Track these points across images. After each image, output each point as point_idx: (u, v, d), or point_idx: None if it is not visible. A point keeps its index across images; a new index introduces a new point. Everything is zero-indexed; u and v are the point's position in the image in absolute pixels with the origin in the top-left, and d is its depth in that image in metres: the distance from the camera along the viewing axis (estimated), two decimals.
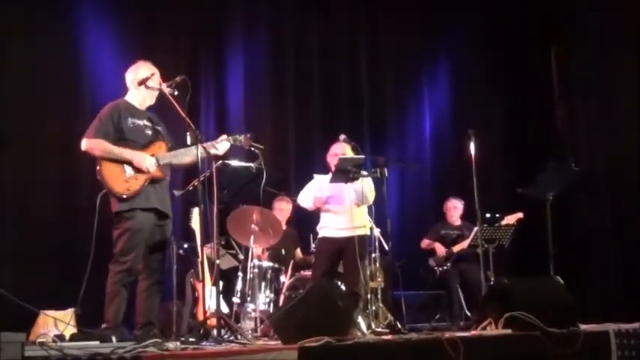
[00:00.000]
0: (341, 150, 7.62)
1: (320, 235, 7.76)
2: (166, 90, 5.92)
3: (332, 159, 7.67)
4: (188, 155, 6.05)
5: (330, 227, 7.64)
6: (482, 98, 11.32)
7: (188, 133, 5.82)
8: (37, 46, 8.29)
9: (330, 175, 7.60)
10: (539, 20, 10.76)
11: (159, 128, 6.16)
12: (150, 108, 6.21)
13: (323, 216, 7.71)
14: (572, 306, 5.78)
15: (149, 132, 6.08)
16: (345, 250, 7.48)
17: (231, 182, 7.02)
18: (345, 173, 7.28)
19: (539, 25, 10.77)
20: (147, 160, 5.88)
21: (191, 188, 6.71)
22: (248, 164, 6.93)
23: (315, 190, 7.71)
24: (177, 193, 7.21)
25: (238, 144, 6.26)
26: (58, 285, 7.52)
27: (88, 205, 6.13)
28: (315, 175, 7.88)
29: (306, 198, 7.76)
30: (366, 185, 7.55)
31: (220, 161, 6.41)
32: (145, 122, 6.09)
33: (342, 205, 7.57)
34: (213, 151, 6.01)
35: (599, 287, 9.50)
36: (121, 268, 5.76)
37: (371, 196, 7.64)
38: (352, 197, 7.57)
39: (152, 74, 6.06)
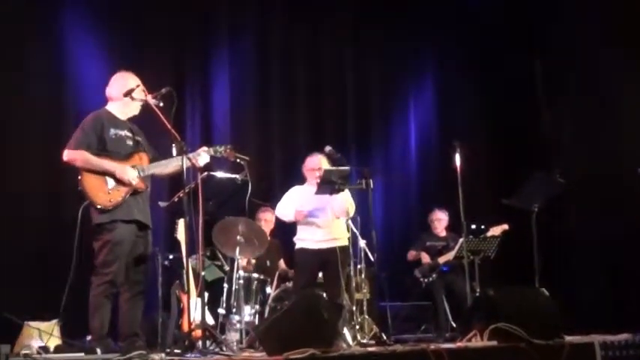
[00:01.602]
0: (317, 163, 7.61)
1: (298, 247, 7.73)
2: (152, 101, 5.92)
3: (307, 172, 7.67)
4: (169, 166, 6.05)
5: (310, 239, 7.62)
6: (467, 109, 11.35)
7: (174, 145, 5.82)
8: (23, 56, 8.26)
9: (307, 187, 7.60)
10: (524, 30, 10.80)
11: (139, 139, 6.14)
12: (133, 119, 6.19)
13: (302, 228, 7.69)
14: (558, 317, 5.79)
15: (130, 143, 6.06)
16: (327, 261, 7.48)
17: (217, 193, 7.01)
18: (330, 185, 7.28)
19: (524, 35, 10.82)
20: (129, 173, 5.86)
21: (176, 199, 6.69)
22: (233, 175, 6.92)
23: (296, 203, 7.68)
24: (162, 204, 7.20)
25: (218, 155, 6.25)
26: (42, 296, 7.48)
27: (71, 217, 6.08)
28: (294, 187, 7.85)
29: (286, 210, 7.73)
30: (346, 198, 7.55)
31: (206, 172, 6.40)
32: (127, 133, 6.07)
33: (324, 218, 7.57)
34: (193, 162, 5.96)
35: (585, 298, 9.50)
36: (104, 280, 5.73)
37: (351, 208, 7.65)
38: (334, 209, 7.56)
39: (137, 85, 6.05)
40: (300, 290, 7.42)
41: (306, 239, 7.65)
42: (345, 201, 7.58)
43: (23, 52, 8.27)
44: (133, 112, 6.15)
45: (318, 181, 7.44)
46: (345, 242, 7.64)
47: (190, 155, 5.95)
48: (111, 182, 5.83)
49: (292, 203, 7.70)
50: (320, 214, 7.57)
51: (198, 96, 9.69)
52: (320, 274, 7.80)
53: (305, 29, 10.77)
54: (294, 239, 7.79)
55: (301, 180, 7.98)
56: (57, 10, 8.63)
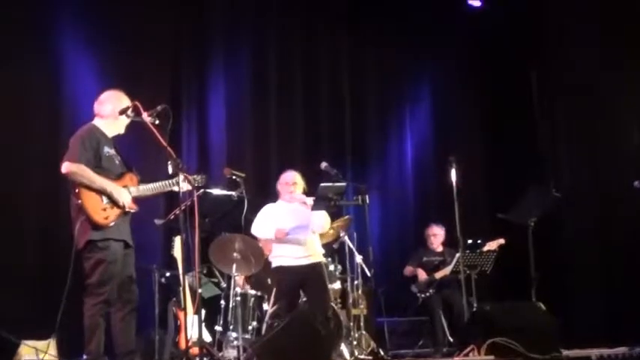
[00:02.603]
0: (291, 178, 7.57)
1: (277, 265, 7.54)
2: (147, 119, 5.88)
3: (282, 186, 7.61)
4: (157, 189, 6.07)
5: (289, 256, 7.47)
6: (463, 125, 11.37)
7: (169, 163, 5.81)
8: (17, 69, 8.26)
9: (281, 204, 7.55)
10: (519, 44, 10.83)
11: (124, 159, 6.14)
12: (116, 138, 6.18)
13: (281, 245, 7.52)
14: (555, 332, 5.80)
15: (117, 162, 6.06)
16: (309, 278, 7.40)
17: (213, 210, 7.02)
18: (326, 201, 7.27)
19: (519, 49, 10.85)
20: (123, 196, 5.86)
21: (172, 217, 6.71)
22: (229, 192, 6.94)
23: (274, 221, 7.51)
24: (158, 221, 7.22)
25: (196, 184, 6.22)
26: (38, 315, 7.45)
27: (66, 233, 6.07)
28: (268, 205, 7.69)
29: (266, 230, 7.50)
30: (323, 213, 7.54)
31: (202, 190, 6.41)
32: (114, 152, 6.07)
33: (305, 235, 7.51)
34: (175, 188, 5.91)
35: (582, 313, 9.50)
36: (99, 300, 5.71)
37: (327, 224, 7.64)
38: (314, 225, 7.53)
39: (134, 104, 6.04)
40: (289, 309, 7.28)
41: (283, 256, 7.49)
42: (323, 217, 7.56)
43: (16, 64, 8.27)
44: (119, 131, 6.15)
45: (291, 196, 7.43)
46: (322, 258, 7.62)
47: (169, 182, 5.95)
48: (106, 200, 5.81)
49: (270, 221, 7.53)
50: (300, 231, 7.47)
51: (194, 113, 9.69)
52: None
53: (301, 44, 10.79)
54: (271, 257, 7.63)
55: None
56: (53, 23, 8.63)
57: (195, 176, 6.27)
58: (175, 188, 5.84)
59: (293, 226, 7.45)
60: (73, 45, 8.70)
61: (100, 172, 5.85)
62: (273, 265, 7.57)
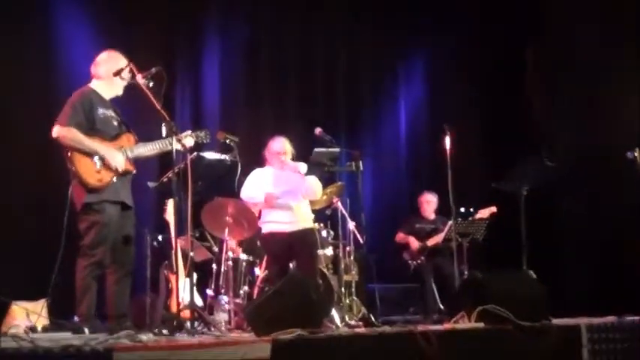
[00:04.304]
0: (282, 147, 7.51)
1: (267, 231, 7.49)
2: (141, 81, 5.85)
3: (271, 155, 7.55)
4: (155, 148, 6.06)
5: (280, 222, 7.43)
6: (457, 93, 11.32)
7: (163, 125, 5.80)
8: (11, 35, 8.21)
9: (270, 169, 7.52)
10: (516, 16, 10.79)
11: (123, 119, 6.12)
12: (114, 99, 6.16)
13: (270, 211, 7.48)
14: (544, 300, 5.82)
15: (115, 123, 6.05)
16: (298, 243, 7.36)
17: (206, 174, 7.00)
18: (319, 166, 7.26)
19: (516, 21, 10.81)
20: (116, 159, 5.85)
21: (165, 180, 6.69)
22: (223, 156, 6.92)
23: (264, 186, 7.47)
24: (151, 184, 7.19)
25: (199, 141, 6.23)
26: (29, 275, 7.46)
27: (59, 195, 6.06)
28: (256, 170, 7.64)
29: (254, 193, 7.45)
30: (316, 179, 7.52)
31: (195, 153, 6.39)
32: (112, 113, 6.05)
33: (296, 200, 7.49)
34: (176, 146, 5.92)
35: (573, 282, 9.55)
36: (91, 261, 5.73)
37: (319, 191, 7.62)
38: (305, 191, 7.51)
39: (127, 65, 6.01)
40: (279, 274, 7.26)
41: (276, 222, 7.45)
42: (315, 183, 7.54)
43: (10, 29, 8.22)
44: (117, 93, 6.13)
45: (284, 165, 7.40)
46: (311, 224, 7.62)
47: (175, 138, 5.92)
48: (99, 162, 5.80)
49: (259, 186, 7.48)
50: (290, 196, 7.44)
51: (187, 75, 9.66)
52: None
53: (297, 10, 10.73)
54: (260, 223, 7.57)
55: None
56: None
57: (198, 132, 6.26)
58: (177, 146, 5.81)
59: (283, 191, 7.42)
60: (66, 11, 8.63)
61: (93, 134, 5.84)
62: (263, 230, 7.53)
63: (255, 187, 7.48)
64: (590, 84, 9.95)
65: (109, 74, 6.03)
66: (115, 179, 5.85)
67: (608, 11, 9.73)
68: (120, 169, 5.85)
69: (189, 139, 6.11)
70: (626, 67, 9.73)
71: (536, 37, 10.83)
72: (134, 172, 6.06)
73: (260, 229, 7.61)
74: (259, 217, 7.69)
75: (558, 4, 10.50)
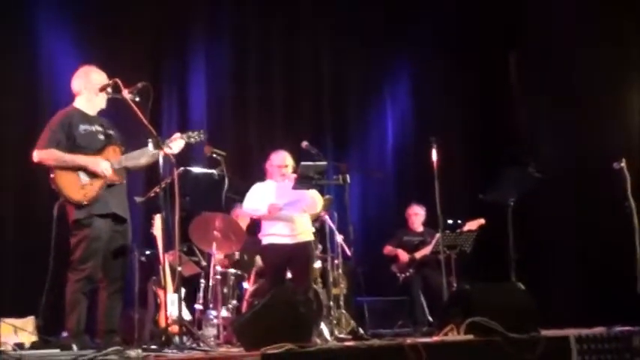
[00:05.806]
0: (283, 160, 7.54)
1: (267, 243, 7.51)
2: (128, 96, 5.84)
3: (272, 168, 7.58)
4: (142, 157, 6.03)
5: (280, 234, 7.45)
6: (443, 105, 11.33)
7: (150, 140, 5.78)
8: None
9: (271, 183, 7.53)
10: (499, 26, 10.84)
11: (111, 132, 6.10)
12: (102, 113, 6.14)
13: (271, 223, 7.49)
14: (533, 311, 5.83)
15: (101, 137, 6.01)
16: (295, 256, 7.39)
17: (193, 189, 6.99)
18: (307, 180, 7.25)
19: (500, 31, 10.85)
20: (101, 164, 5.82)
21: (152, 195, 6.68)
22: (210, 171, 6.92)
23: (267, 198, 7.48)
24: (138, 199, 7.18)
25: (192, 141, 6.23)
26: (17, 292, 7.43)
27: (47, 212, 6.04)
28: (258, 184, 7.66)
29: (257, 205, 7.48)
30: (315, 193, 7.54)
31: (182, 168, 6.38)
32: (97, 128, 6.02)
33: (296, 213, 7.52)
34: (167, 150, 5.91)
35: (561, 293, 9.55)
36: (81, 276, 5.70)
37: (320, 205, 7.63)
38: (306, 204, 7.52)
39: (113, 81, 5.99)
40: (271, 286, 7.28)
41: (273, 234, 7.47)
42: (316, 197, 7.56)
43: None
44: (100, 106, 6.10)
45: (284, 178, 7.42)
46: (311, 237, 7.62)
47: (166, 141, 5.92)
48: (84, 177, 5.78)
49: (262, 198, 7.50)
50: (292, 209, 7.47)
51: (174, 90, 9.65)
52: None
53: (282, 23, 10.74)
54: (260, 235, 7.60)
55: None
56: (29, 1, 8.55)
57: (189, 132, 6.25)
58: (168, 150, 5.82)
59: (285, 203, 7.44)
60: (50, 23, 8.62)
61: (77, 150, 5.83)
62: (263, 242, 7.54)
63: (258, 199, 7.51)
64: (575, 92, 9.96)
65: (89, 89, 6.02)
66: (102, 191, 5.81)
67: (587, 12, 9.75)
68: (106, 173, 5.82)
69: (179, 142, 6.09)
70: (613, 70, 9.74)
71: (519, 46, 10.87)
72: (124, 182, 6.02)
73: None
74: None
75: (542, 12, 10.53)
